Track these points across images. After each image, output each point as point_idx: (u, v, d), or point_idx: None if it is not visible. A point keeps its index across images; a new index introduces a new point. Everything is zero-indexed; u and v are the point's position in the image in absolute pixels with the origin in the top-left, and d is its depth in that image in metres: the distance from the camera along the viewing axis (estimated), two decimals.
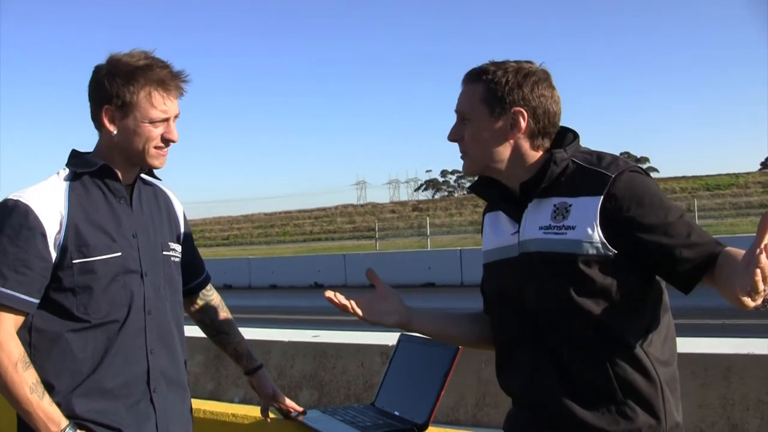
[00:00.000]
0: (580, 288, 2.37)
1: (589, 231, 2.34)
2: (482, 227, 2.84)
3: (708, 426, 5.76)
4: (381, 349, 7.27)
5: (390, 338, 7.75)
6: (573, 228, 2.37)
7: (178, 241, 3.03)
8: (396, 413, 3.29)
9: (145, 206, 2.90)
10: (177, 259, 2.99)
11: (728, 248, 2.28)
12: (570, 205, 2.40)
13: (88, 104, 2.80)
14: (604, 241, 2.33)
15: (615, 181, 2.34)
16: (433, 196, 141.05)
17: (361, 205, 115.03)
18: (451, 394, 7.12)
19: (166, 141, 2.78)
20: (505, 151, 2.52)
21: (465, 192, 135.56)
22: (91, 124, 2.81)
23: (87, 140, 2.90)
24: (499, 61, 2.56)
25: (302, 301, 24.96)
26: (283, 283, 31.21)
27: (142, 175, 2.94)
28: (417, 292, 25.02)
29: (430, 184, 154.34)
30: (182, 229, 3.10)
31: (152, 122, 2.72)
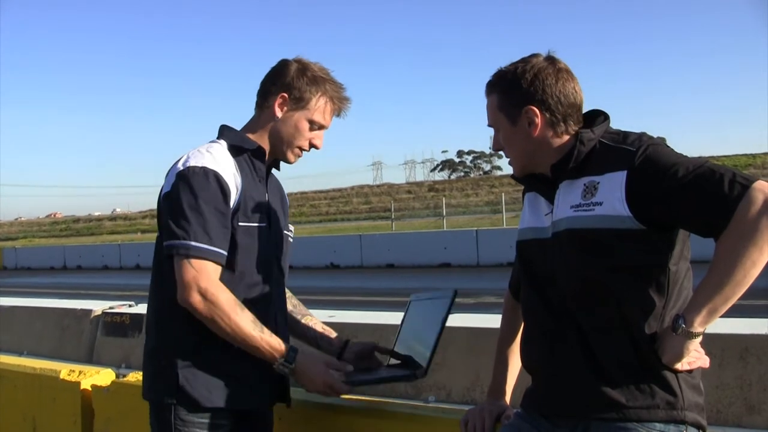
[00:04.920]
0: (607, 263, 2.42)
1: (616, 206, 2.38)
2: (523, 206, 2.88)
3: (725, 406, 5.75)
4: (397, 329, 7.25)
5: None
6: (600, 204, 2.42)
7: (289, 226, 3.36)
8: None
9: (275, 190, 3.24)
10: (291, 240, 3.33)
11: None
12: (598, 183, 2.46)
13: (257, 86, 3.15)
14: (631, 215, 2.36)
15: (638, 155, 2.39)
16: (449, 177, 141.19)
17: (377, 186, 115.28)
18: (467, 374, 7.13)
19: (312, 146, 3.14)
20: (533, 147, 2.61)
21: (481, 172, 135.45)
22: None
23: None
24: (505, 66, 2.66)
25: (318, 282, 24.98)
26: (299, 263, 31.06)
27: None
28: (433, 272, 25.00)
29: (446, 164, 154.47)
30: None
31: (312, 124, 3.08)
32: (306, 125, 3.07)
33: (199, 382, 2.88)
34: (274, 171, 3.26)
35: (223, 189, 2.87)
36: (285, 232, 3.25)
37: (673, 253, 2.43)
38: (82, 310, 11.22)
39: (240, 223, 2.93)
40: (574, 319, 2.50)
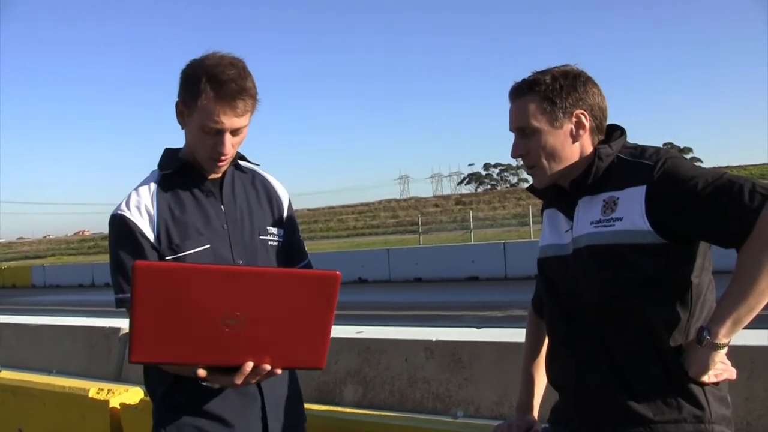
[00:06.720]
0: (629, 278, 2.41)
1: (637, 220, 2.38)
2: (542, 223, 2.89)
3: (755, 419, 5.69)
4: (425, 344, 7.22)
5: (434, 333, 7.74)
6: (620, 219, 2.42)
7: (279, 225, 3.03)
8: None
9: (239, 195, 2.95)
10: (275, 244, 2.98)
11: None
12: (618, 198, 2.46)
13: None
14: (652, 229, 2.36)
15: (657, 169, 2.39)
16: (476, 190, 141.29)
17: (405, 200, 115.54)
18: (496, 388, 7.10)
19: (217, 152, 2.73)
20: (573, 153, 2.59)
21: (508, 185, 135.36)
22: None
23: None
24: (541, 70, 2.62)
25: (346, 297, 24.74)
26: None
27: (240, 162, 3.00)
28: (461, 285, 24.88)
29: (473, 177, 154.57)
30: (285, 213, 3.08)
31: (204, 130, 2.68)
32: (199, 133, 2.70)
33: (171, 426, 2.82)
34: (255, 168, 3.07)
35: (131, 231, 2.74)
36: (262, 237, 2.93)
37: (694, 265, 2.42)
38: (110, 327, 11.25)
39: (167, 257, 2.75)
40: (598, 335, 2.50)
